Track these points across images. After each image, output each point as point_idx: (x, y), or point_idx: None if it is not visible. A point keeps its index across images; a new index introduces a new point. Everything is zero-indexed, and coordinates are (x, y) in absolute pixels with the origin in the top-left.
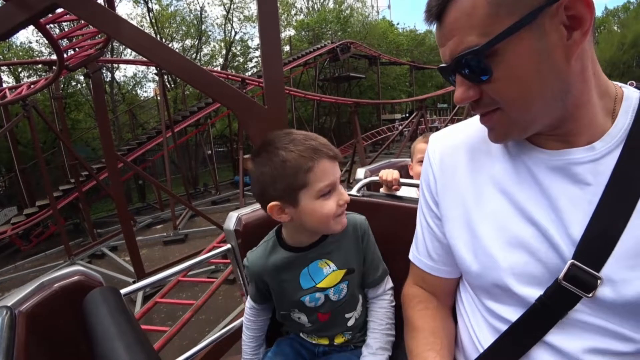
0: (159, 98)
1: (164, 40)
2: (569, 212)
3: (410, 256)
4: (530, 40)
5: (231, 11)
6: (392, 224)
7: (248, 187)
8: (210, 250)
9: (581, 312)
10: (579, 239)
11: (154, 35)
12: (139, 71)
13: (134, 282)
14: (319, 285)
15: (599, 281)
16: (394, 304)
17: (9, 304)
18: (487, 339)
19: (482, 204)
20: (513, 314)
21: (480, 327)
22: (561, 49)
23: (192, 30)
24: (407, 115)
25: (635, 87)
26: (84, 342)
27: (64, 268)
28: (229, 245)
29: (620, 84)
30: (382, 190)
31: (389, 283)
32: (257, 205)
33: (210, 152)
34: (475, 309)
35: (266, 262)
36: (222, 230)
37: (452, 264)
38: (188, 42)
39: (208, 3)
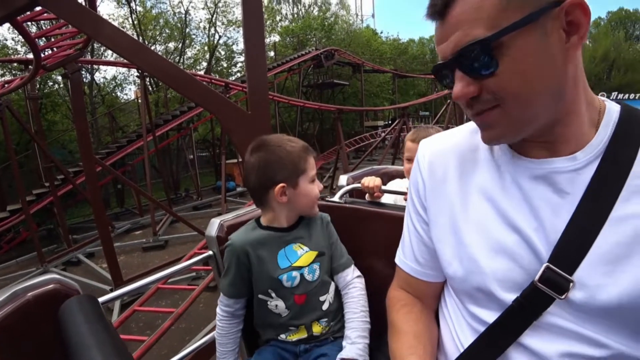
0: (140, 101)
1: (146, 42)
2: (550, 220)
3: (397, 260)
4: (535, 37)
5: (215, 15)
6: (375, 230)
7: (230, 193)
8: (191, 257)
9: (556, 316)
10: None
11: (136, 37)
12: (119, 73)
13: (111, 290)
14: (295, 264)
15: (571, 284)
16: (364, 292)
17: None
18: (468, 342)
19: (468, 210)
20: (495, 317)
21: (463, 331)
22: (560, 51)
23: (175, 33)
24: (390, 122)
25: (615, 101)
26: (59, 353)
27: (38, 276)
28: (210, 252)
29: (603, 98)
30: (366, 197)
31: (356, 272)
32: (240, 211)
33: (192, 156)
34: (458, 313)
35: (248, 237)
36: (204, 236)
37: (437, 268)
38: (171, 44)
39: (192, 7)
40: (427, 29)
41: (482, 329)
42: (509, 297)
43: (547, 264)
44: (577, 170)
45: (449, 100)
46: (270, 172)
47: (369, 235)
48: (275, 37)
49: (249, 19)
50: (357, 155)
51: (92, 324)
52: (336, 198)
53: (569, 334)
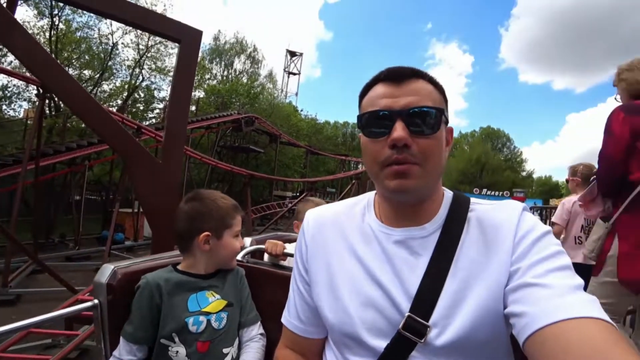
0: (30, 122)
1: (59, 62)
2: (407, 276)
3: (283, 319)
4: (444, 131)
5: (144, 58)
6: (273, 289)
7: (117, 246)
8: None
9: (418, 357)
10: (412, 296)
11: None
12: (13, 85)
13: None
14: (203, 310)
15: (428, 329)
16: (262, 350)
17: None
18: None
19: (342, 270)
20: None
21: None
22: (445, 150)
23: (95, 62)
24: (298, 194)
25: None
26: None
27: None
28: (95, 301)
29: (443, 188)
30: (265, 258)
31: (261, 329)
32: (138, 259)
33: (78, 197)
34: None
35: (163, 276)
36: (73, 292)
37: (318, 325)
38: (87, 72)
39: (122, 43)
40: (343, 115)
41: None
42: (377, 343)
43: (409, 313)
44: (425, 237)
45: (354, 181)
46: (199, 221)
47: (267, 294)
48: (201, 93)
49: (181, 70)
50: (261, 223)
51: None
52: (239, 257)
53: None
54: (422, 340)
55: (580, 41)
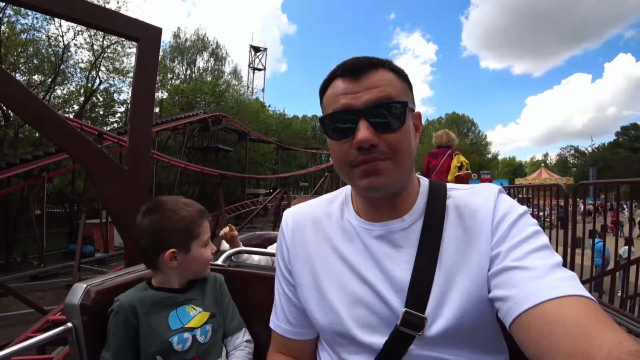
0: None
1: (3, 67)
2: (392, 270)
3: (271, 324)
4: (410, 120)
5: (100, 59)
6: (258, 292)
7: (87, 259)
8: (25, 340)
9: (415, 348)
10: (401, 290)
11: None
12: None
13: None
14: (187, 326)
15: (425, 321)
16: (250, 357)
17: None
18: None
19: (327, 269)
20: (362, 359)
21: None
22: (414, 137)
23: (46, 66)
24: (271, 191)
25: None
26: None
27: None
28: (69, 324)
29: (417, 175)
30: (224, 245)
31: (246, 336)
32: (110, 275)
33: (40, 212)
34: None
35: (137, 296)
36: (42, 313)
37: (308, 325)
38: (37, 77)
39: (75, 44)
40: (310, 108)
41: None
42: (371, 339)
43: (406, 309)
44: (405, 229)
45: (327, 174)
46: (162, 236)
47: (252, 296)
48: (164, 94)
49: (141, 70)
50: (236, 222)
51: None
52: (220, 262)
53: (421, 358)
54: (420, 333)
55: (536, 27)
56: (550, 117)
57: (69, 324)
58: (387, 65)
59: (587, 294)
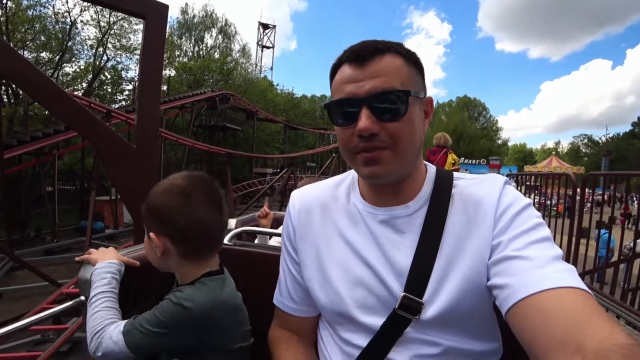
0: None
1: (12, 45)
2: (394, 255)
3: (275, 301)
4: (418, 107)
5: (107, 36)
6: (264, 271)
7: (98, 235)
8: (38, 312)
9: (410, 331)
10: (401, 274)
11: None
12: None
13: None
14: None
15: (422, 306)
16: None
17: None
18: None
19: (330, 251)
20: (360, 339)
21: (335, 355)
22: (421, 124)
23: (53, 43)
24: (279, 170)
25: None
26: None
27: None
28: (82, 297)
29: (425, 162)
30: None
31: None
32: (120, 251)
33: (51, 189)
34: (330, 339)
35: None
36: (57, 286)
37: (310, 303)
38: (45, 54)
39: (81, 21)
40: (320, 88)
41: (350, 350)
42: (369, 320)
43: (404, 293)
44: (410, 215)
45: (334, 154)
46: None
47: (259, 276)
48: (172, 72)
49: (148, 48)
50: (244, 201)
51: None
52: (226, 240)
53: (417, 341)
54: (417, 317)
55: (557, 9)
56: (565, 104)
57: (82, 298)
58: (395, 50)
59: (584, 287)
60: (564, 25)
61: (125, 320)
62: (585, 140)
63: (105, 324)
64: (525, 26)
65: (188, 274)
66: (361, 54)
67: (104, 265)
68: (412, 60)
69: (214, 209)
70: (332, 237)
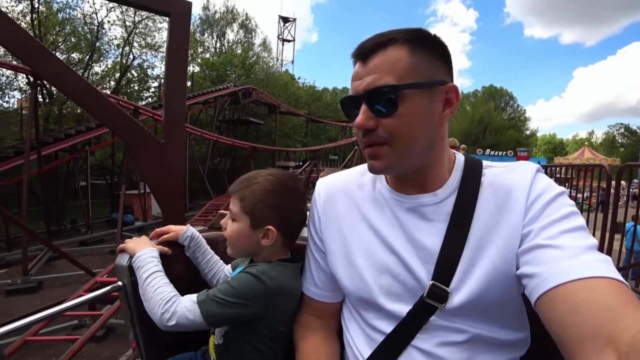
0: (25, 112)
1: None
2: (421, 242)
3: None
4: (424, 99)
5: (133, 35)
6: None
7: (128, 227)
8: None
9: (435, 319)
10: (428, 262)
11: None
12: (1, 75)
13: None
14: None
15: (448, 294)
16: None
17: None
18: (365, 350)
19: (356, 238)
20: (384, 325)
21: (359, 340)
22: (437, 116)
23: (83, 44)
24: (301, 163)
25: (465, 153)
26: None
27: None
28: (119, 283)
29: (453, 151)
30: None
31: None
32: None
33: (84, 183)
34: (355, 323)
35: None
36: (92, 275)
37: (334, 289)
38: (75, 55)
39: (108, 21)
40: (341, 80)
41: (374, 335)
42: (394, 307)
43: (432, 281)
44: (437, 203)
45: (356, 147)
46: None
47: None
48: (195, 68)
49: (173, 45)
50: None
51: None
52: None
53: (442, 328)
54: (443, 305)
55: None
56: (600, 92)
57: (119, 283)
58: (401, 40)
59: (619, 277)
60: (600, 6)
61: (197, 293)
62: (622, 130)
63: (174, 295)
64: (558, 9)
65: (270, 257)
66: (363, 51)
67: (148, 250)
68: (425, 47)
69: (305, 203)
70: (358, 223)
